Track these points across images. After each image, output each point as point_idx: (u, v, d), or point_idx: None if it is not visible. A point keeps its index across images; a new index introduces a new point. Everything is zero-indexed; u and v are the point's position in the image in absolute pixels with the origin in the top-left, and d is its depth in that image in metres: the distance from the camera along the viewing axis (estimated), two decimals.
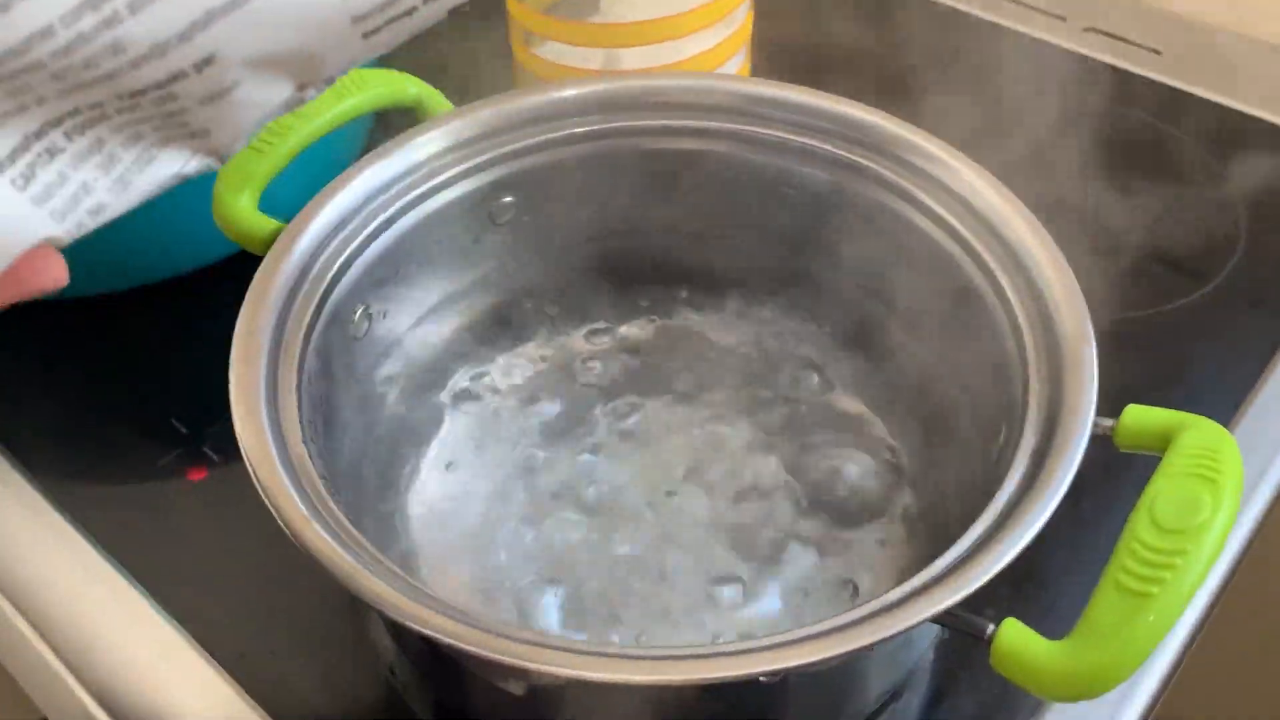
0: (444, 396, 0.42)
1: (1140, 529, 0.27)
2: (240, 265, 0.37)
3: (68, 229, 0.21)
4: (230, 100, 0.21)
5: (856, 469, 0.40)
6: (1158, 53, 0.63)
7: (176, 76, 0.20)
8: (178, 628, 0.39)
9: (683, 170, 0.42)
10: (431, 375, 0.42)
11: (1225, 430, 0.29)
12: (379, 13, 0.21)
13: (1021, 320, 0.34)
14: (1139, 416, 0.31)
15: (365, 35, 0.21)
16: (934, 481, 0.38)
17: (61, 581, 0.41)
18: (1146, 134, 0.58)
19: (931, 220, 0.38)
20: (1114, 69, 0.62)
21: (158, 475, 0.44)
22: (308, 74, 0.22)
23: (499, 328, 0.44)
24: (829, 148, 0.40)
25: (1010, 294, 0.35)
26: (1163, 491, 0.27)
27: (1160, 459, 0.30)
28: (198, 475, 0.44)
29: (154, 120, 0.21)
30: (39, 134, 0.20)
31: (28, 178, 0.20)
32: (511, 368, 0.44)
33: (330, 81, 0.22)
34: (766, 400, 0.42)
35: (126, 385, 0.47)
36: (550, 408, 0.42)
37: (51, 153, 0.20)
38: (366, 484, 0.37)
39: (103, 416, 0.46)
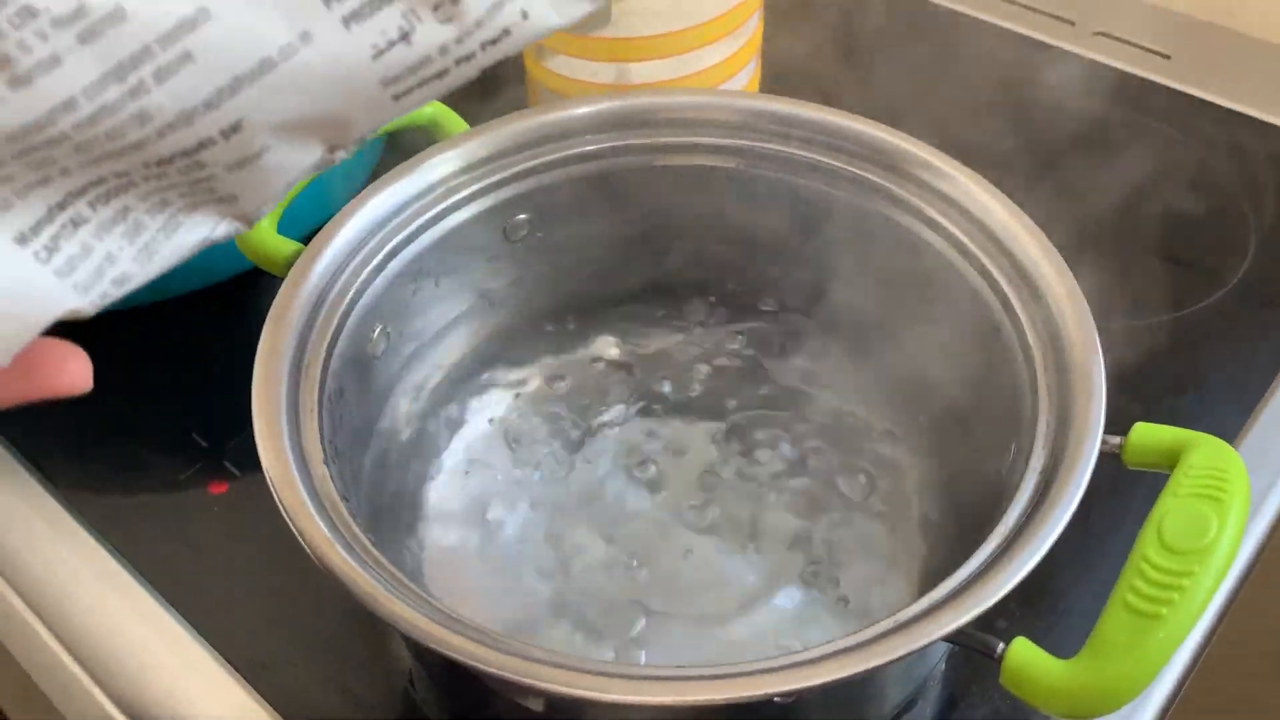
0: (461, 412, 0.43)
1: (1148, 549, 0.27)
2: (256, 279, 0.38)
3: (92, 300, 0.21)
4: (259, 166, 0.21)
5: (868, 482, 0.40)
6: (1167, 57, 0.63)
7: (204, 144, 0.20)
8: (200, 639, 0.40)
9: (694, 186, 0.43)
10: (448, 392, 0.43)
11: (1232, 449, 0.30)
12: (410, 74, 0.21)
13: (1030, 337, 0.35)
14: (1146, 435, 0.32)
15: (396, 97, 0.21)
16: (945, 494, 0.39)
17: (86, 594, 0.42)
18: (1155, 139, 0.58)
19: (941, 236, 0.39)
20: (1123, 73, 0.62)
21: (180, 489, 0.45)
22: (338, 137, 0.21)
23: (515, 343, 0.44)
24: (838, 163, 0.41)
25: (1019, 310, 0.35)
26: (1170, 511, 0.28)
27: (1168, 477, 0.30)
28: (219, 489, 0.45)
29: (180, 187, 0.21)
30: (62, 205, 0.20)
31: (51, 250, 0.20)
32: (527, 383, 0.44)
33: (360, 142, 0.22)
34: (779, 412, 0.43)
35: (146, 399, 0.48)
36: (566, 423, 0.43)
37: (75, 223, 0.20)
38: (385, 501, 0.38)
39: (124, 431, 0.47)
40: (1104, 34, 0.65)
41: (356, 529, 0.31)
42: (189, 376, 0.49)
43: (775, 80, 0.57)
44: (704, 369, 0.44)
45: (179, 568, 0.42)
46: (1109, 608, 0.27)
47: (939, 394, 0.39)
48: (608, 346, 0.45)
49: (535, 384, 0.44)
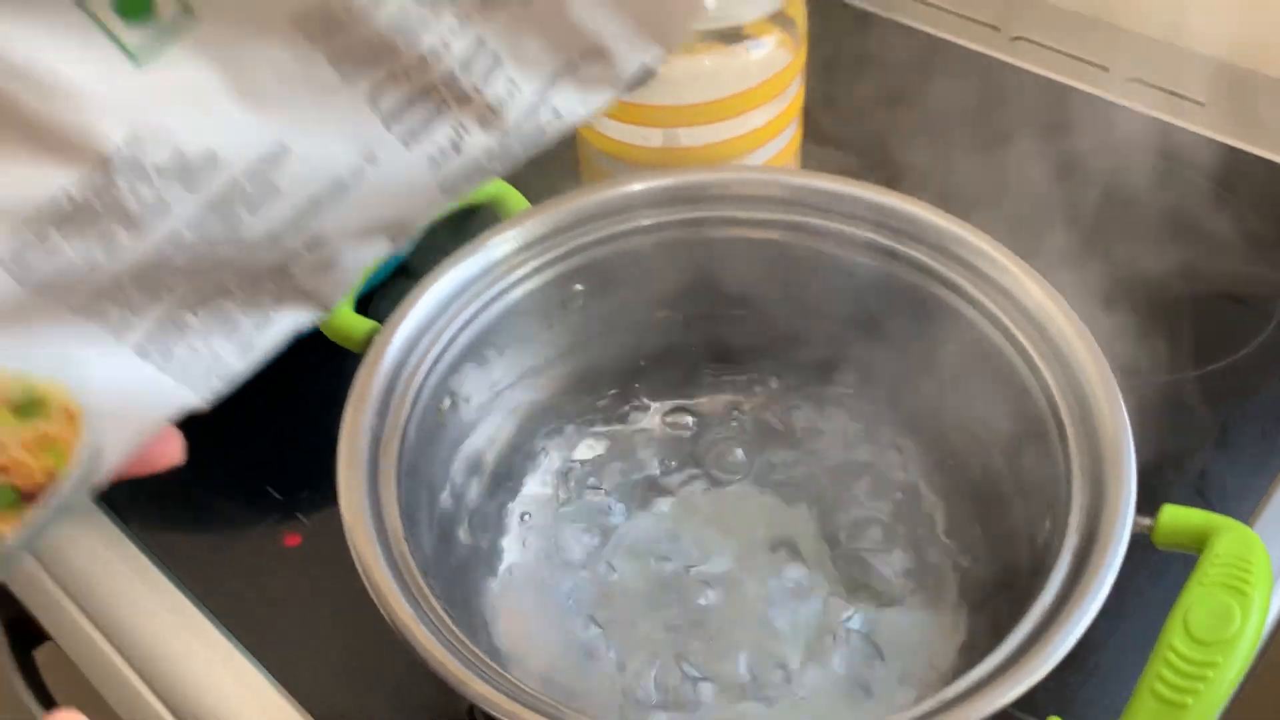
0: (520, 474, 0.45)
1: (1175, 639, 0.29)
2: (323, 338, 0.40)
3: (204, 395, 0.24)
4: (336, 266, 0.24)
5: (911, 551, 0.42)
6: (1201, 104, 0.64)
7: (290, 257, 0.22)
8: (276, 683, 0.42)
9: (743, 258, 0.45)
10: (508, 454, 0.45)
11: (1256, 537, 0.32)
12: (459, 175, 0.23)
13: (1065, 418, 0.37)
14: (1175, 518, 0.34)
15: (447, 193, 0.24)
16: (982, 563, 0.41)
17: (170, 639, 0.44)
18: (1187, 187, 0.59)
19: (979, 312, 0.41)
20: (1157, 121, 0.63)
21: (256, 540, 0.47)
22: (400, 232, 0.24)
23: (570, 406, 0.46)
24: (880, 239, 0.43)
25: (1055, 391, 0.37)
26: (1196, 602, 0.30)
27: (1197, 558, 0.32)
28: (293, 541, 0.47)
29: (270, 289, 0.23)
30: (171, 316, 0.22)
31: (166, 356, 0.23)
32: (582, 445, 0.46)
33: (418, 231, 0.25)
34: (823, 477, 0.45)
35: (224, 454, 0.50)
36: (620, 484, 0.45)
37: (183, 330, 0.23)
38: (453, 568, 0.40)
39: (203, 485, 0.49)
40: (1138, 80, 0.66)
41: (434, 602, 0.33)
42: (262, 432, 0.51)
43: (817, 135, 0.58)
44: (752, 432, 0.46)
45: (256, 615, 0.45)
46: (1137, 694, 0.29)
47: (981, 464, 0.41)
48: (659, 410, 0.47)
49: (590, 446, 0.46)
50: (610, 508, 0.45)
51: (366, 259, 0.24)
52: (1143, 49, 0.68)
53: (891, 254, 0.43)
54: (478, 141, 0.23)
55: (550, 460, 0.46)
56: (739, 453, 0.46)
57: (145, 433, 0.23)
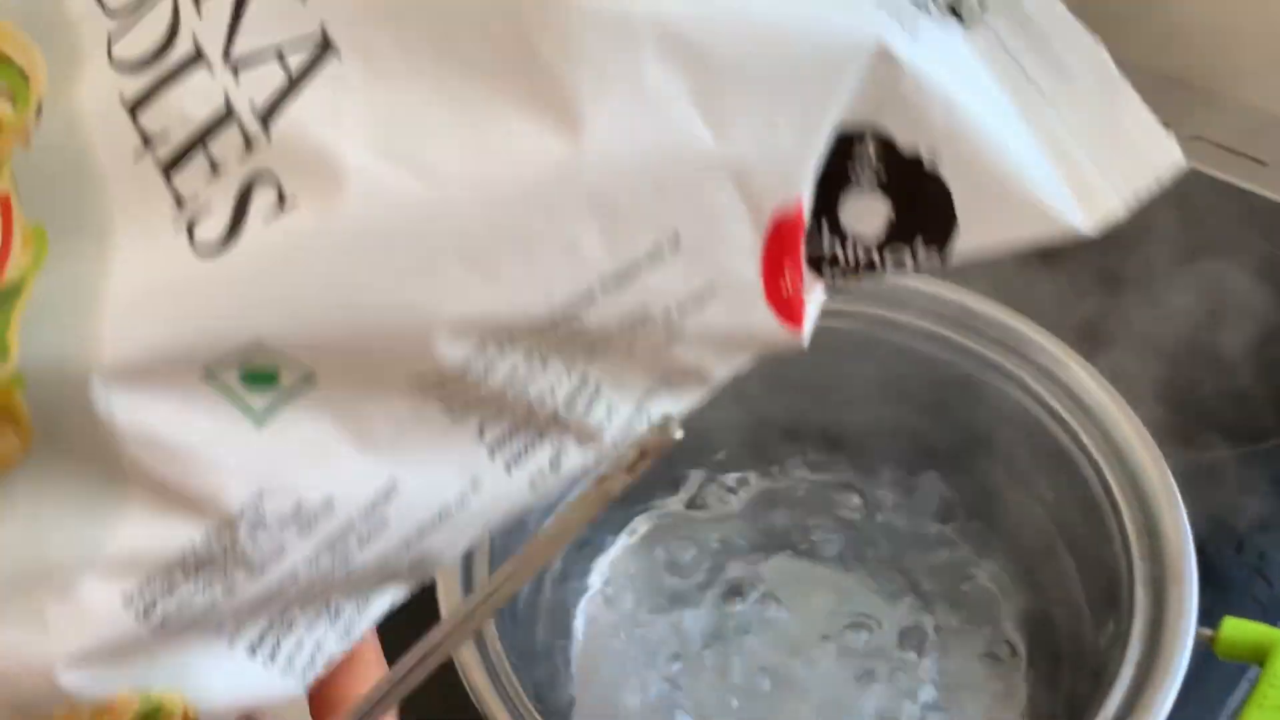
0: (596, 555, 0.47)
1: None
2: None
3: (307, 682, 0.24)
4: (433, 564, 0.24)
5: (975, 643, 0.44)
6: (1264, 163, 0.64)
7: (395, 574, 0.23)
8: None
9: (825, 347, 0.46)
10: (584, 536, 0.47)
11: None
12: (557, 488, 0.23)
13: (1129, 523, 0.38)
14: (1236, 630, 0.35)
15: (540, 500, 0.24)
16: (1047, 661, 0.42)
17: None
18: (1247, 251, 0.59)
19: (1044, 409, 0.42)
20: (1218, 181, 0.63)
21: None
22: (493, 532, 0.25)
23: (643, 487, 0.48)
24: (954, 335, 0.44)
25: (1120, 499, 0.39)
26: None
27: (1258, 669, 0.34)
28: None
29: (370, 583, 0.24)
30: (281, 617, 0.23)
31: (274, 653, 0.23)
32: (656, 526, 0.48)
33: None
34: (894, 564, 0.46)
35: None
36: (694, 564, 0.47)
37: (291, 627, 0.23)
38: (538, 652, 0.43)
39: None
40: (1199, 138, 0.66)
41: (527, 701, 0.36)
42: None
43: None
44: (823, 517, 0.48)
45: None
46: None
47: (1046, 560, 0.43)
48: (733, 490, 0.49)
49: (663, 526, 0.48)
50: (685, 587, 0.47)
51: (461, 554, 0.26)
52: (1204, 107, 0.67)
53: (963, 350, 0.44)
54: (575, 459, 0.23)
55: (624, 540, 0.48)
56: (812, 534, 0.47)
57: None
